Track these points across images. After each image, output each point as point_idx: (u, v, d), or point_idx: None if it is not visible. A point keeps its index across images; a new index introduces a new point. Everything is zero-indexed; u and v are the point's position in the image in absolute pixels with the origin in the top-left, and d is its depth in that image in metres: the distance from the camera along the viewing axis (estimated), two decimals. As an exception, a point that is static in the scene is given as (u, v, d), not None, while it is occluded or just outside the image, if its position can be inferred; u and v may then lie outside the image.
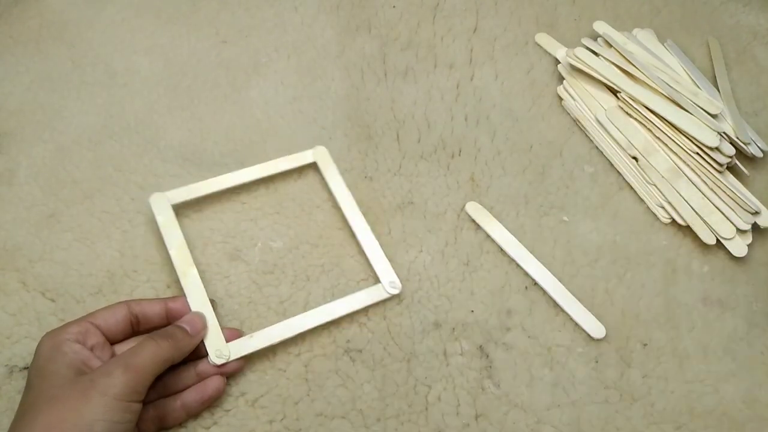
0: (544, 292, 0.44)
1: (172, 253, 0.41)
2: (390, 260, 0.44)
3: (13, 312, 0.40)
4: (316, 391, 0.39)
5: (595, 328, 0.42)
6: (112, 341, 0.36)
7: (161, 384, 0.36)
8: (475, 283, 0.44)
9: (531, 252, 0.46)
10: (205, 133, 0.50)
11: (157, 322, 0.38)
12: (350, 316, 0.42)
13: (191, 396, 0.36)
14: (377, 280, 0.42)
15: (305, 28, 0.57)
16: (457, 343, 0.42)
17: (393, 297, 0.42)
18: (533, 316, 0.43)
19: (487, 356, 0.41)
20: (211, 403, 0.38)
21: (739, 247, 0.46)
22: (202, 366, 0.37)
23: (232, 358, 0.38)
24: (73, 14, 0.56)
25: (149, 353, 0.33)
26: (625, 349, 0.42)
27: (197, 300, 0.39)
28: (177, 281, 0.41)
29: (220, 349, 0.38)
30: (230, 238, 0.45)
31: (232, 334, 0.39)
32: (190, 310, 0.39)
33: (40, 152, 0.48)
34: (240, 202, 0.46)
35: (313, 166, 0.48)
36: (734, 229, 0.46)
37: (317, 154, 0.47)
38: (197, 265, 0.42)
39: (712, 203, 0.47)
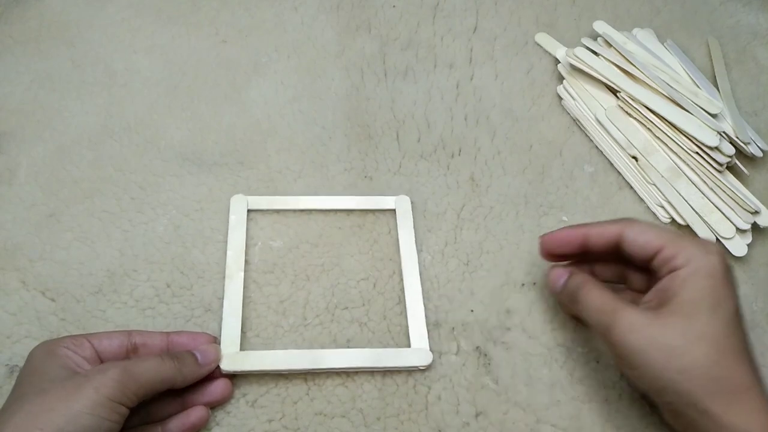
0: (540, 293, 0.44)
1: (230, 253, 0.42)
2: (390, 260, 0.44)
3: (13, 311, 0.40)
4: (315, 391, 0.39)
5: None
6: (104, 361, 0.35)
7: (145, 410, 0.35)
8: (475, 283, 0.44)
9: (529, 252, 0.46)
10: (205, 133, 0.50)
11: (157, 353, 0.37)
12: (350, 315, 0.42)
13: (173, 424, 0.36)
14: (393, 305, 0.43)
15: (305, 28, 0.57)
16: (456, 343, 0.42)
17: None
18: (533, 316, 0.43)
19: (486, 356, 0.41)
20: (215, 405, 0.37)
21: (738, 246, 0.46)
22: (188, 396, 0.37)
23: (241, 368, 0.38)
24: (73, 14, 0.56)
25: (151, 366, 0.33)
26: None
27: (231, 304, 0.40)
28: (177, 280, 0.41)
29: (233, 358, 0.38)
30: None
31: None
32: (193, 346, 0.38)
33: (40, 152, 0.48)
34: (240, 202, 0.46)
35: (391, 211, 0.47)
36: (734, 228, 0.46)
37: (399, 203, 0.46)
38: (197, 265, 0.42)
39: (711, 203, 0.47)
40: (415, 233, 0.45)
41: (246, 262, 0.43)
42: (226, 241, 0.44)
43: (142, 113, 0.51)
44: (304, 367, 0.39)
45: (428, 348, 0.40)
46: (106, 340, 0.35)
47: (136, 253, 0.43)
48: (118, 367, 0.32)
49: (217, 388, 0.37)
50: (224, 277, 0.42)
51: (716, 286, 0.33)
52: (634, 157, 0.49)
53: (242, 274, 0.42)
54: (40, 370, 0.32)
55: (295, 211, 0.46)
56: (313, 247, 0.45)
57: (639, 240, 0.36)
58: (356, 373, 0.40)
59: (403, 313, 0.42)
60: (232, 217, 0.44)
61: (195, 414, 0.36)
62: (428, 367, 0.40)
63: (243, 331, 0.40)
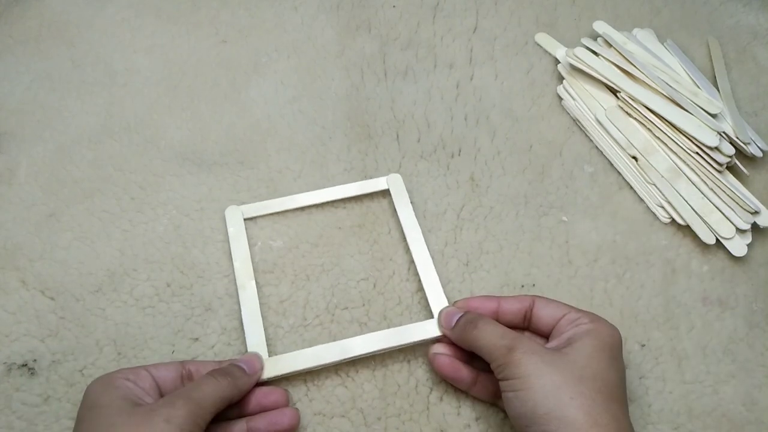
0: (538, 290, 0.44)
1: (236, 265, 0.42)
2: (390, 260, 0.44)
3: (12, 310, 0.40)
4: (314, 391, 0.39)
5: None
6: (162, 391, 0.35)
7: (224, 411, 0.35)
8: (475, 283, 0.44)
9: (529, 252, 0.46)
10: (205, 133, 0.50)
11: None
12: (350, 315, 0.42)
13: (261, 421, 0.36)
14: (417, 304, 0.42)
15: (305, 27, 0.57)
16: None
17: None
18: (532, 316, 0.43)
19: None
20: None
21: (738, 246, 0.46)
22: (263, 396, 0.37)
23: (279, 373, 0.38)
24: (73, 14, 0.56)
25: (210, 388, 0.33)
26: (624, 349, 0.42)
27: (250, 313, 0.40)
28: (176, 280, 0.41)
29: (266, 365, 0.38)
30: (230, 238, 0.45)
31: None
32: (250, 369, 0.37)
33: (40, 152, 0.48)
34: (239, 202, 0.46)
35: (383, 193, 0.47)
36: (734, 228, 0.46)
37: (391, 182, 0.47)
38: (197, 264, 0.42)
39: (711, 203, 0.47)
40: (414, 209, 0.45)
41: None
42: (226, 240, 0.44)
43: (142, 113, 0.51)
44: (335, 359, 0.39)
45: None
46: (163, 369, 0.35)
47: (136, 252, 0.43)
48: (183, 396, 0.32)
49: (285, 417, 0.36)
50: (235, 287, 0.42)
51: (612, 354, 0.35)
52: (634, 157, 0.49)
53: (254, 282, 0.41)
54: (101, 403, 0.32)
55: (292, 210, 0.46)
56: (313, 247, 0.45)
57: (545, 309, 0.38)
58: (357, 372, 0.40)
59: (417, 297, 0.43)
60: (231, 229, 0.44)
61: (287, 416, 0.36)
62: (420, 355, 0.40)
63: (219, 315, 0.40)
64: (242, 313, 0.40)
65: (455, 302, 0.41)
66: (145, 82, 0.52)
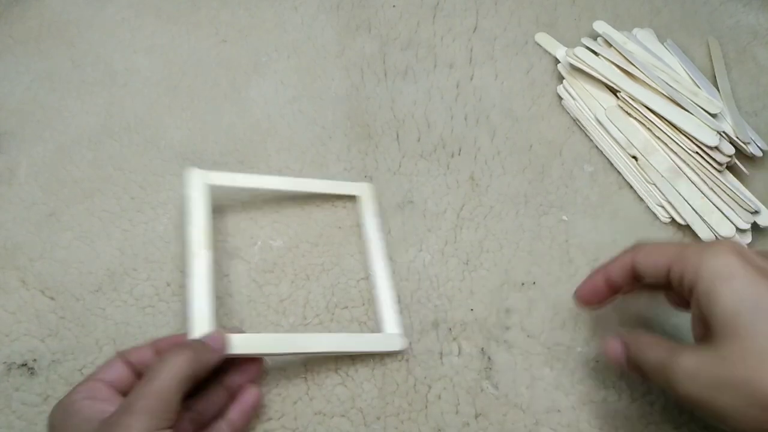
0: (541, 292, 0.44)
1: (190, 229, 0.38)
2: (390, 259, 0.44)
3: (12, 310, 0.40)
4: (314, 390, 0.39)
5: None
6: (124, 392, 0.33)
7: (197, 414, 0.34)
8: (475, 282, 0.44)
9: (529, 251, 0.46)
10: (204, 133, 0.50)
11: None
12: (350, 315, 0.42)
13: (234, 412, 0.35)
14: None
15: (305, 27, 0.57)
16: (456, 343, 0.41)
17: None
18: (532, 315, 0.43)
19: (486, 355, 0.41)
20: (254, 413, 0.37)
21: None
22: (229, 381, 0.36)
23: (234, 351, 0.35)
24: (73, 14, 0.56)
25: (167, 374, 0.31)
26: (625, 349, 0.42)
27: (201, 285, 0.37)
28: (176, 279, 0.41)
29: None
30: (230, 237, 0.45)
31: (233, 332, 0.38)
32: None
33: (40, 152, 0.48)
34: (239, 201, 0.46)
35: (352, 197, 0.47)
36: (734, 228, 0.46)
37: (363, 190, 0.47)
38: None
39: (711, 203, 0.47)
40: (382, 220, 0.45)
41: (245, 261, 0.43)
42: (226, 241, 0.44)
43: (142, 113, 0.51)
44: (279, 352, 0.38)
45: (401, 332, 0.41)
46: (111, 373, 0.34)
47: (136, 252, 0.43)
48: (138, 395, 0.30)
49: (247, 394, 0.36)
50: (194, 257, 0.38)
51: (739, 287, 0.29)
52: (634, 157, 0.49)
53: (210, 252, 0.38)
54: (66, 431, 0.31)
55: (260, 191, 0.45)
56: (313, 247, 0.45)
57: (647, 264, 0.34)
58: (356, 371, 0.40)
59: (416, 296, 0.43)
60: (192, 193, 0.40)
61: (248, 396, 0.36)
62: (420, 354, 0.40)
63: (218, 314, 0.40)
64: (188, 285, 0.36)
65: (576, 292, 0.38)
66: (145, 82, 0.53)
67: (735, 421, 0.28)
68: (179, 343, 0.34)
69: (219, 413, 0.36)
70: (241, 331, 0.38)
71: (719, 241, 0.34)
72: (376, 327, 0.42)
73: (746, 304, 0.29)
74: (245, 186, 0.44)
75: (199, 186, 0.41)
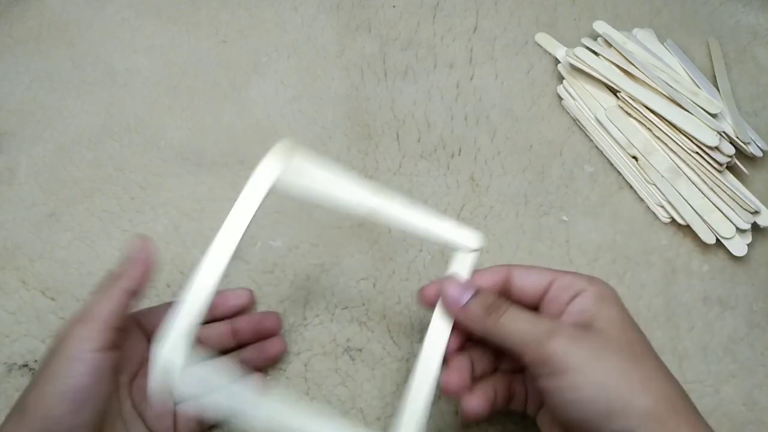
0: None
1: (229, 228, 0.34)
2: (390, 260, 0.44)
3: (12, 311, 0.40)
4: (315, 390, 0.39)
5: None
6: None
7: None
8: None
9: (529, 251, 0.46)
10: (204, 133, 0.50)
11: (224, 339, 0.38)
12: (350, 315, 0.42)
13: (251, 353, 0.37)
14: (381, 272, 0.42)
15: (305, 27, 0.57)
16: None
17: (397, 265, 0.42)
18: (533, 316, 0.43)
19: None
20: (272, 362, 0.38)
21: (738, 246, 0.46)
22: (247, 356, 0.37)
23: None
24: (73, 14, 0.56)
25: (98, 298, 0.31)
26: (625, 349, 0.42)
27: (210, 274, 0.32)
28: (176, 280, 0.41)
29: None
30: (230, 238, 0.45)
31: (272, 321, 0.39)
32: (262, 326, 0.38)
33: (40, 152, 0.48)
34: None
35: None
36: (734, 228, 0.46)
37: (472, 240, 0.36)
38: (197, 264, 0.41)
39: (711, 203, 0.47)
40: None
41: (245, 261, 0.43)
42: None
43: (142, 113, 0.51)
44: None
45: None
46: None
47: (135, 252, 0.43)
48: (73, 321, 0.30)
49: (274, 346, 0.38)
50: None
51: (629, 315, 0.31)
52: (634, 157, 0.49)
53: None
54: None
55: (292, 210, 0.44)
56: (313, 247, 0.45)
57: (527, 279, 0.33)
58: (356, 371, 0.40)
59: (417, 296, 0.40)
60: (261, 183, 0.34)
61: (274, 346, 0.37)
62: (406, 355, 0.39)
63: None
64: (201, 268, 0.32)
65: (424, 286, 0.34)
66: (145, 82, 0.53)
67: (587, 396, 0.28)
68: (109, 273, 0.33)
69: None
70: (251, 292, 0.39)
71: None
72: (376, 328, 0.42)
73: (622, 325, 0.30)
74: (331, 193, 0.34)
75: (272, 174, 0.34)
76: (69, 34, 0.55)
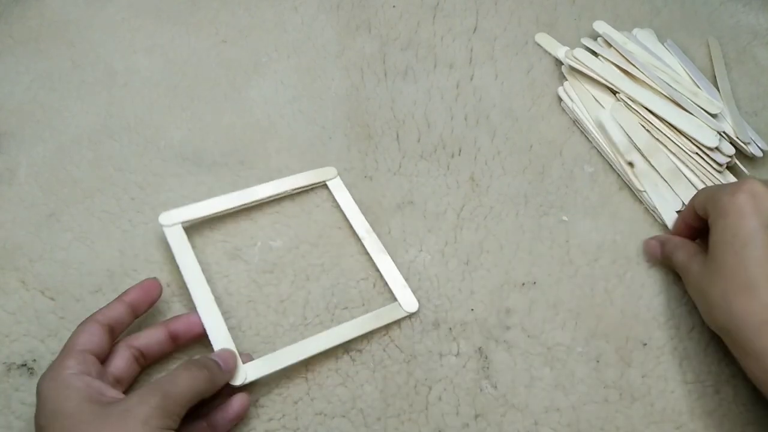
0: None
1: (191, 287, 0.40)
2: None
3: (12, 311, 0.40)
4: (315, 390, 0.39)
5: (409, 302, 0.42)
6: (102, 362, 0.34)
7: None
8: (475, 282, 0.44)
9: (529, 251, 0.46)
10: (205, 133, 0.50)
11: (165, 348, 0.37)
12: (350, 315, 0.42)
13: (218, 416, 0.36)
14: (381, 285, 0.43)
15: (305, 27, 0.57)
16: (456, 343, 0.41)
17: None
18: (533, 315, 0.43)
19: (486, 356, 0.41)
20: (239, 420, 0.37)
21: None
22: (212, 416, 0.36)
23: (249, 380, 0.37)
24: (73, 14, 0.56)
25: (187, 382, 0.32)
26: (625, 349, 0.42)
27: (221, 334, 0.38)
28: (176, 280, 0.41)
29: (238, 372, 0.37)
30: (230, 237, 0.45)
31: (243, 358, 0.38)
32: (197, 327, 0.38)
33: (40, 152, 0.48)
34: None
35: (322, 184, 0.47)
36: None
37: (327, 175, 0.47)
38: (202, 270, 0.42)
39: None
40: (375, 224, 0.46)
41: (245, 261, 0.43)
42: (225, 240, 0.44)
43: (142, 113, 0.51)
44: (305, 356, 0.38)
45: (413, 298, 0.42)
46: (93, 338, 0.34)
47: (136, 252, 0.43)
48: (158, 393, 0.31)
49: (236, 402, 0.36)
50: (235, 287, 0.42)
51: (730, 223, 0.36)
52: (630, 163, 0.49)
53: (209, 293, 0.40)
54: (65, 411, 0.30)
55: (229, 211, 0.45)
56: (313, 247, 0.45)
57: (696, 207, 0.41)
58: (357, 373, 0.40)
59: (416, 296, 0.43)
60: (174, 244, 0.41)
61: (236, 401, 0.36)
62: (420, 355, 0.41)
63: (242, 331, 0.40)
64: (210, 335, 0.38)
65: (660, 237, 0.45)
66: (145, 82, 0.52)
67: (704, 315, 0.39)
68: (201, 360, 0.35)
69: (204, 414, 0.36)
70: (251, 357, 0.39)
71: (747, 180, 0.37)
72: (373, 280, 0.42)
73: (724, 238, 0.37)
74: (214, 212, 0.44)
75: (177, 234, 0.42)
76: (69, 34, 0.55)
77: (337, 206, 0.46)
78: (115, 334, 0.36)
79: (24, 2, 0.57)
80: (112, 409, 0.30)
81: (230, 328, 0.41)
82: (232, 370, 0.36)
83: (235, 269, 0.43)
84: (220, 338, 0.38)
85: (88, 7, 0.57)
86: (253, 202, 0.45)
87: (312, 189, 0.47)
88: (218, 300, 0.42)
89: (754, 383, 0.36)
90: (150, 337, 0.37)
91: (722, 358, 0.42)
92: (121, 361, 0.35)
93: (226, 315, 0.41)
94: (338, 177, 0.47)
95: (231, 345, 0.38)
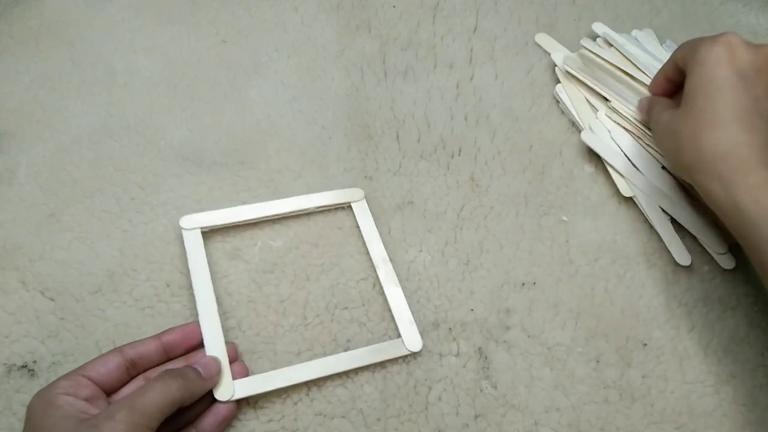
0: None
1: (198, 295, 0.40)
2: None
3: (12, 311, 0.40)
4: (315, 391, 0.39)
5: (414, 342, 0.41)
6: (109, 391, 0.35)
7: (173, 417, 0.34)
8: (475, 282, 0.44)
9: (529, 251, 0.46)
10: (205, 133, 0.50)
11: (156, 360, 0.37)
12: (350, 315, 0.42)
13: (205, 423, 0.36)
14: (381, 286, 0.42)
15: (305, 27, 0.57)
16: (456, 343, 0.41)
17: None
18: (533, 315, 0.43)
19: (486, 356, 0.41)
20: (226, 425, 0.37)
21: (728, 260, 0.45)
22: (198, 422, 0.36)
23: (236, 397, 0.37)
24: (73, 14, 0.56)
25: (157, 394, 0.32)
26: (625, 349, 0.42)
27: (216, 342, 0.38)
28: (176, 280, 0.41)
29: (226, 387, 0.37)
30: (230, 237, 0.45)
31: (238, 370, 0.38)
32: (186, 341, 0.38)
33: (40, 152, 0.48)
34: (240, 202, 0.46)
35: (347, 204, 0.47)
36: (726, 245, 0.45)
37: (354, 197, 0.47)
38: (212, 280, 0.42)
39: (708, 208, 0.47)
40: (376, 224, 0.45)
41: (245, 261, 0.43)
42: (225, 240, 0.44)
43: (142, 113, 0.51)
44: (298, 381, 0.38)
45: (418, 338, 0.41)
46: (102, 368, 0.34)
47: (136, 252, 0.43)
48: (125, 407, 0.31)
49: (223, 407, 0.36)
50: (235, 287, 0.42)
51: (706, 71, 0.39)
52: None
53: (214, 303, 0.40)
54: (43, 427, 0.31)
55: (249, 221, 0.45)
56: (313, 247, 0.45)
57: (677, 59, 0.43)
58: (357, 373, 0.40)
59: (416, 296, 0.43)
60: (189, 248, 0.42)
61: (223, 407, 0.36)
62: (420, 356, 0.40)
63: (242, 331, 0.40)
64: (205, 340, 0.38)
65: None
66: (145, 82, 0.52)
67: (668, 158, 0.44)
68: (178, 370, 0.35)
69: (192, 420, 0.36)
70: (248, 371, 0.39)
71: (726, 33, 0.40)
72: (376, 329, 0.42)
73: (705, 85, 0.39)
74: (235, 221, 0.44)
75: (194, 236, 0.43)
76: (69, 34, 0.55)
77: (337, 206, 0.46)
78: (138, 369, 0.36)
79: (24, 2, 0.57)
80: (83, 425, 0.30)
81: (230, 328, 0.41)
82: (214, 377, 0.36)
83: (235, 269, 0.43)
84: (213, 347, 0.38)
85: (88, 7, 0.57)
86: (275, 215, 0.45)
87: (336, 209, 0.47)
88: (218, 300, 0.42)
89: (714, 209, 0.39)
90: (145, 347, 0.37)
91: (722, 358, 0.42)
92: (107, 369, 0.35)
93: (226, 315, 0.41)
94: (364, 200, 0.46)
95: (222, 355, 0.38)
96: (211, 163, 0.48)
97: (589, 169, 0.50)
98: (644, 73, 0.52)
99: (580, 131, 0.51)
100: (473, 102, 0.54)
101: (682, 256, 0.45)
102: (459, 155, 0.50)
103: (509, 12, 0.60)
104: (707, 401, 0.40)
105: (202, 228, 0.43)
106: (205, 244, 0.44)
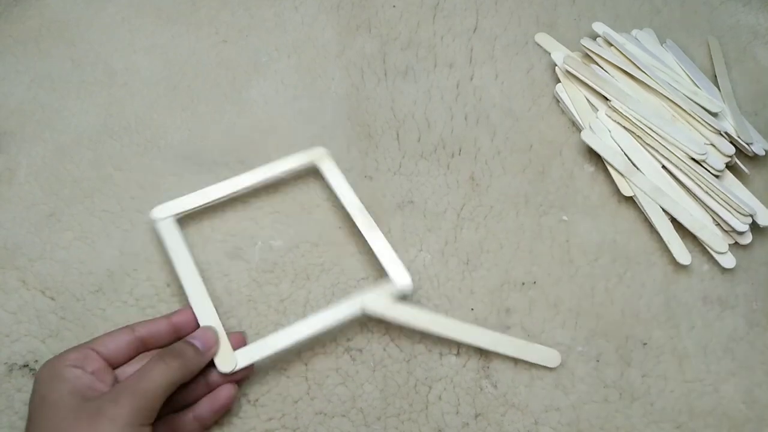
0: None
1: (185, 283, 0.40)
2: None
3: (12, 310, 0.40)
4: (315, 390, 0.39)
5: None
6: (114, 365, 0.35)
7: (171, 398, 0.34)
8: (475, 282, 0.44)
9: (529, 251, 0.46)
10: (205, 133, 0.50)
11: (165, 340, 0.37)
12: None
13: (204, 407, 0.36)
14: (381, 277, 0.42)
15: (305, 27, 0.57)
16: (456, 343, 0.41)
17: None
18: (533, 315, 0.43)
19: (486, 356, 0.41)
20: (224, 411, 0.37)
21: (728, 259, 0.45)
22: (212, 376, 0.36)
23: (240, 366, 0.37)
24: (73, 14, 0.56)
25: (158, 376, 0.32)
26: (625, 348, 0.42)
27: (204, 311, 0.38)
28: (176, 280, 0.41)
29: (227, 358, 0.37)
30: (230, 237, 0.45)
31: (237, 340, 0.38)
32: (196, 321, 0.38)
33: (40, 152, 0.48)
34: (240, 201, 0.46)
35: (313, 166, 0.47)
36: (726, 244, 0.45)
37: (316, 156, 0.46)
38: (196, 264, 0.42)
39: (708, 210, 0.47)
40: (376, 224, 0.44)
41: (245, 261, 0.44)
42: (225, 240, 0.44)
43: (142, 113, 0.51)
44: (298, 339, 0.38)
45: (408, 277, 0.41)
46: (112, 344, 0.35)
47: (136, 252, 0.43)
48: (127, 390, 0.31)
49: (223, 393, 0.36)
50: (235, 286, 0.42)
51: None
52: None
53: (201, 284, 0.39)
54: (49, 400, 0.31)
55: (220, 200, 0.45)
56: (313, 247, 0.45)
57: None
58: (357, 372, 0.40)
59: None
60: (166, 237, 0.41)
61: (223, 394, 0.36)
62: (420, 355, 0.40)
63: (247, 336, 0.41)
64: (196, 312, 0.38)
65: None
66: (145, 82, 0.52)
67: None
68: (176, 348, 0.35)
69: (191, 403, 0.36)
70: (246, 339, 0.39)
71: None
72: (376, 328, 0.42)
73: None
74: (206, 202, 0.44)
75: (168, 225, 0.42)
76: (69, 34, 0.55)
77: (337, 206, 0.46)
78: (147, 347, 0.36)
79: (24, 2, 0.57)
80: (88, 405, 0.31)
81: (231, 328, 0.41)
82: (213, 348, 0.36)
83: (235, 269, 0.43)
84: (206, 318, 0.38)
85: (88, 7, 0.57)
86: (244, 189, 0.45)
87: (307, 176, 0.46)
88: (218, 299, 0.42)
89: None
90: (156, 327, 0.37)
91: (721, 357, 0.42)
92: (117, 345, 0.35)
93: (227, 314, 0.41)
94: (329, 157, 0.46)
95: (217, 324, 0.38)
96: (211, 163, 0.48)
97: (589, 168, 0.50)
98: (644, 72, 0.52)
99: (580, 131, 0.51)
100: (473, 102, 0.54)
101: (682, 256, 0.45)
102: (459, 155, 0.50)
103: (509, 12, 0.60)
104: (707, 400, 0.40)
105: (175, 215, 0.43)
106: (204, 243, 0.44)
